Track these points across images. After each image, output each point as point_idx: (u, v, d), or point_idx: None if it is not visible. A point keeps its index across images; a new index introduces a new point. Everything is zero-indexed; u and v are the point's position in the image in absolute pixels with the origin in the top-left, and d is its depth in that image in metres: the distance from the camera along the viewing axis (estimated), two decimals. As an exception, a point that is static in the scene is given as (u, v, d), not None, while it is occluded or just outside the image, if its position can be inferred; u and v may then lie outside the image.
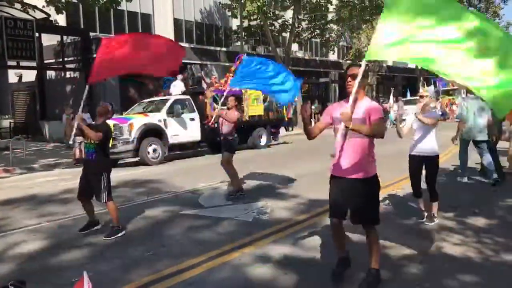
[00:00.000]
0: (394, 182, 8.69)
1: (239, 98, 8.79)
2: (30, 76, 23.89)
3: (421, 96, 6.27)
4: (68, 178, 10.71)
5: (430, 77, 41.35)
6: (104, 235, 5.89)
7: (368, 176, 3.98)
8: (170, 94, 15.81)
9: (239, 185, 8.21)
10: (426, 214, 6.10)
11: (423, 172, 6.06)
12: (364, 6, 27.96)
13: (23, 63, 20.59)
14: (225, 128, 8.27)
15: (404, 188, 7.88)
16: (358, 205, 4.01)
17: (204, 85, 16.04)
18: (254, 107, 16.48)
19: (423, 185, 6.09)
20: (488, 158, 8.50)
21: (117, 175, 11.21)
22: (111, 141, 12.49)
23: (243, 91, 16.05)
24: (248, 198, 7.85)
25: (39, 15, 19.79)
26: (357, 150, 3.94)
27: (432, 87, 34.85)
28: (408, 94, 35.24)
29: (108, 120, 6.31)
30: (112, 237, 5.83)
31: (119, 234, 5.91)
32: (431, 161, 5.94)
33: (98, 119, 6.17)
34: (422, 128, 5.95)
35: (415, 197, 6.21)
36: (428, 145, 5.91)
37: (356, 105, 3.91)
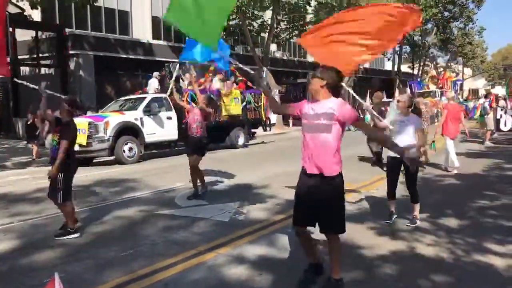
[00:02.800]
0: (369, 184, 8.80)
1: (210, 99, 8.70)
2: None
3: (398, 101, 6.33)
4: (41, 177, 10.49)
5: (406, 80, 42.04)
6: (55, 234, 5.78)
7: (332, 174, 3.88)
8: (147, 92, 15.68)
9: (204, 186, 8.22)
10: (394, 212, 6.21)
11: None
12: (342, 8, 28.18)
13: (-4, 59, 20.10)
14: (194, 128, 8.06)
15: (379, 189, 7.98)
16: (322, 210, 3.91)
17: (182, 83, 15.94)
18: (232, 107, 16.47)
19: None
20: None
21: (92, 173, 11.07)
22: (85, 139, 12.37)
23: (221, 90, 16.05)
24: (225, 198, 7.83)
25: (13, 9, 19.39)
26: (322, 147, 3.86)
27: (407, 89, 35.45)
28: (385, 95, 35.72)
29: (71, 116, 5.93)
30: (63, 237, 5.70)
31: (70, 236, 5.75)
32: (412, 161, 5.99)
33: (62, 116, 5.87)
34: (402, 129, 6.03)
35: (390, 198, 6.29)
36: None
37: (321, 104, 3.91)
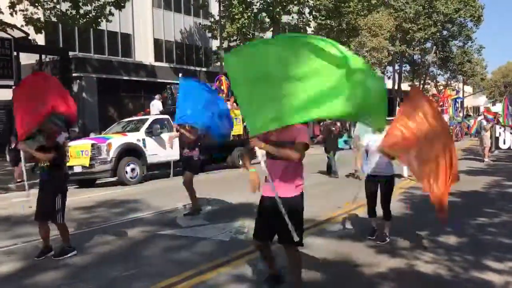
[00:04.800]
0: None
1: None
2: (7, 95, 23.63)
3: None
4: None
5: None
6: (53, 254, 5.85)
7: (291, 196, 4.11)
8: (149, 113, 15.86)
9: (197, 205, 8.44)
10: (376, 228, 6.30)
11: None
12: (341, 29, 28.62)
13: (0, 82, 20.38)
14: (187, 148, 8.49)
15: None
16: (280, 224, 4.02)
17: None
18: (234, 127, 16.58)
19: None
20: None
21: (94, 195, 11.16)
22: (88, 161, 12.47)
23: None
24: (226, 218, 7.90)
25: (17, 34, 19.71)
26: (281, 170, 4.12)
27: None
28: (385, 114, 35.86)
29: (55, 137, 5.90)
30: (63, 257, 5.79)
31: (70, 254, 5.86)
32: (387, 181, 6.14)
33: (48, 141, 5.84)
34: (370, 147, 6.16)
35: (371, 216, 6.38)
36: (384, 165, 6.09)
37: (285, 130, 4.03)
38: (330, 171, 13.07)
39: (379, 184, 6.18)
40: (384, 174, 6.12)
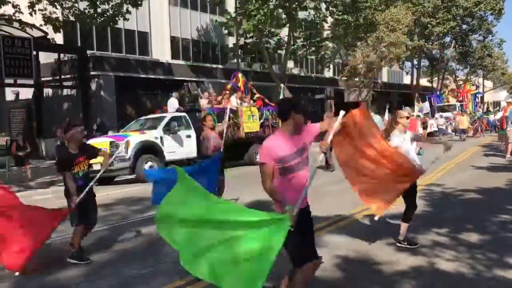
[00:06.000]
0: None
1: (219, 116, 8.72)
2: (27, 93, 24.02)
3: (407, 117, 6.24)
4: (64, 196, 10.71)
5: (425, 93, 41.74)
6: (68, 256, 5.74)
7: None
8: (166, 111, 15.94)
9: None
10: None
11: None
12: (358, 24, 28.34)
13: (20, 81, 20.71)
14: (209, 148, 7.95)
15: (397, 205, 7.93)
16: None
17: (202, 102, 16.18)
18: (250, 124, 16.59)
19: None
20: None
21: (113, 192, 11.26)
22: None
23: (238, 107, 16.21)
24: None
25: (36, 33, 20.00)
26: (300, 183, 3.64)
27: (427, 103, 35.22)
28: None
29: (82, 140, 5.91)
30: (72, 260, 5.67)
31: (78, 261, 5.68)
32: None
33: (71, 145, 5.75)
34: (400, 147, 6.01)
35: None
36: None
37: (295, 137, 3.71)
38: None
39: None
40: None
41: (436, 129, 29.61)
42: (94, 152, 5.98)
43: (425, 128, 25.77)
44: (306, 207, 3.75)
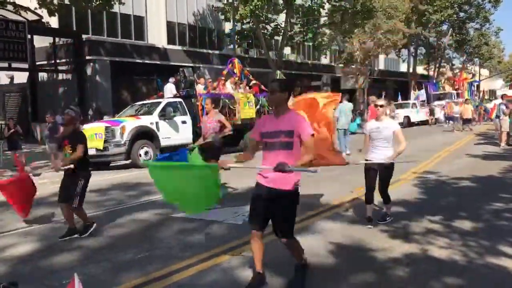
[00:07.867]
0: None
1: (216, 100, 8.83)
2: (22, 77, 23.84)
3: (380, 106, 6.25)
4: (59, 181, 10.69)
5: (421, 81, 41.73)
6: (78, 235, 6.09)
7: (286, 189, 3.95)
8: (162, 97, 15.87)
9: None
10: (371, 217, 6.24)
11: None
12: (356, 11, 28.17)
13: (15, 65, 20.54)
14: (210, 132, 8.23)
15: (392, 192, 7.97)
16: (276, 215, 4.02)
17: (198, 87, 16.10)
18: (246, 110, 16.56)
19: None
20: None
21: (108, 177, 11.25)
22: (102, 144, 12.61)
23: (234, 94, 16.16)
24: (238, 201, 7.91)
25: (31, 16, 19.78)
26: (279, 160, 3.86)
27: (423, 91, 35.19)
28: (400, 97, 35.53)
29: (76, 126, 6.29)
30: (87, 233, 6.07)
31: (93, 227, 6.16)
32: (386, 168, 6.12)
33: (66, 128, 6.36)
34: (379, 137, 6.09)
35: (367, 203, 6.32)
36: (383, 153, 6.07)
37: (281, 118, 3.99)
38: None
39: (379, 171, 6.16)
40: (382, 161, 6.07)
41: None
42: (76, 142, 6.08)
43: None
44: (276, 189, 3.98)
